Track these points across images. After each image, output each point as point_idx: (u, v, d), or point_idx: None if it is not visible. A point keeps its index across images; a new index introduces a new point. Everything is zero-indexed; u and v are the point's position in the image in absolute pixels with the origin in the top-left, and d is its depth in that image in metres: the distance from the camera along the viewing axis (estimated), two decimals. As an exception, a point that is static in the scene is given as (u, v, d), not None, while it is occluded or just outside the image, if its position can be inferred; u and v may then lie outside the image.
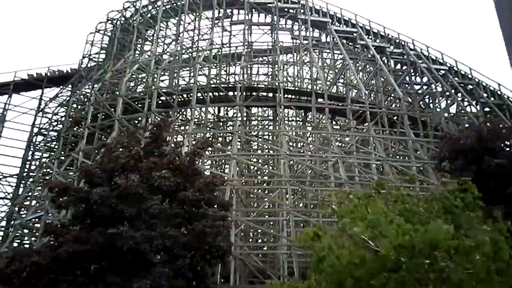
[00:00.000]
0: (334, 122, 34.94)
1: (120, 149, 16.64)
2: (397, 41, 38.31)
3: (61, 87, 41.84)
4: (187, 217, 15.33)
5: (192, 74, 30.77)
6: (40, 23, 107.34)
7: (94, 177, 15.03)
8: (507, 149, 17.06)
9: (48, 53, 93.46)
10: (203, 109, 32.14)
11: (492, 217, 6.01)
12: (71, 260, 13.79)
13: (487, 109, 37.65)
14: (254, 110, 39.44)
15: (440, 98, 35.81)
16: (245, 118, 33.56)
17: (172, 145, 19.22)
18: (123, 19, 41.95)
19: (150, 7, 42.18)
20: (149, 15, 41.92)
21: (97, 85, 33.18)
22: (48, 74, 42.09)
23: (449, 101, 34.74)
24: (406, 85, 36.43)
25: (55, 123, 38.56)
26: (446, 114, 32.73)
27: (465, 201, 5.86)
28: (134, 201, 14.25)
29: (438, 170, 20.46)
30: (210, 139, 32.07)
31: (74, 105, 35.71)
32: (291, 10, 39.13)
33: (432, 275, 3.58)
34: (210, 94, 31.74)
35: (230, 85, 31.55)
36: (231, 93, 31.41)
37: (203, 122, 31.27)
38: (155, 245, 13.34)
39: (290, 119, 36.44)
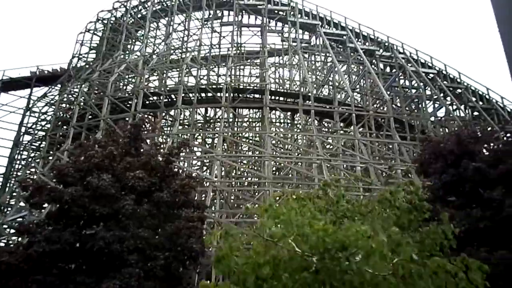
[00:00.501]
0: (324, 124, 34.99)
1: (97, 149, 16.53)
2: (387, 44, 38.39)
3: (50, 86, 41.68)
4: (163, 218, 15.21)
5: (182, 74, 30.59)
6: (31, 22, 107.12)
7: (67, 176, 14.88)
8: (487, 153, 17.02)
9: (38, 52, 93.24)
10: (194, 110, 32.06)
11: (438, 219, 5.94)
12: (42, 260, 13.63)
13: (476, 113, 37.86)
14: (245, 111, 39.49)
15: (428, 101, 35.86)
16: (232, 119, 33.46)
17: (152, 145, 19.05)
18: (113, 18, 41.91)
19: (140, 7, 42.15)
20: (139, 15, 41.90)
21: (84, 85, 32.96)
22: (37, 73, 41.95)
23: (436, 105, 34.78)
24: (396, 88, 36.50)
25: (43, 123, 38.35)
26: (432, 118, 32.71)
27: (413, 202, 5.78)
28: (106, 201, 14.11)
29: (420, 173, 20.47)
30: (196, 139, 32.15)
31: (63, 105, 35.46)
32: (281, 12, 39.18)
33: (344, 276, 3.52)
34: (198, 95, 31.70)
35: (217, 86, 31.40)
36: (219, 94, 31.42)
37: (189, 123, 31.11)
38: (126, 246, 13.20)
39: (279, 121, 36.39)
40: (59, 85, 41.01)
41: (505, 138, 17.60)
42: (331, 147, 30.61)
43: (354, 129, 27.83)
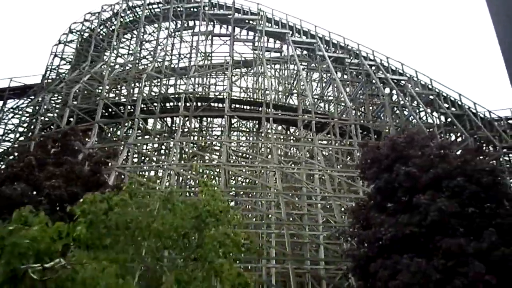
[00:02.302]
0: (290, 132, 34.73)
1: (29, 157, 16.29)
2: (357, 52, 38.25)
3: (23, 98, 41.64)
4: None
5: (142, 84, 30.47)
6: (8, 33, 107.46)
7: (-17, 186, 14.61)
8: (423, 158, 16.62)
9: (15, 64, 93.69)
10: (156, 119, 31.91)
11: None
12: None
13: (449, 119, 37.52)
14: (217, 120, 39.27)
15: (395, 108, 35.62)
16: (198, 129, 33.24)
17: (86, 155, 18.77)
18: (88, 30, 42.04)
19: (113, 19, 42.22)
20: (112, 27, 41.97)
21: (49, 96, 32.86)
22: (10, 85, 41.91)
23: (406, 112, 34.52)
24: (362, 96, 36.33)
25: (12, 135, 38.18)
26: (394, 124, 32.41)
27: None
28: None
29: (361, 178, 20.13)
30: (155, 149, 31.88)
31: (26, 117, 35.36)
32: (251, 22, 39.19)
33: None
34: (162, 105, 31.53)
35: (179, 96, 31.19)
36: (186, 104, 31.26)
37: (152, 132, 30.90)
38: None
39: (246, 129, 36.12)
40: (33, 97, 41.02)
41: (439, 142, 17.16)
42: (294, 155, 30.26)
43: (313, 136, 27.52)
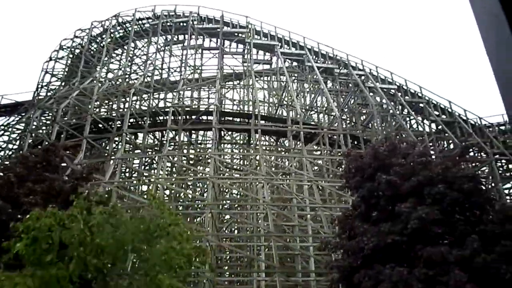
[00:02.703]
0: (280, 143, 34.73)
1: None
2: (346, 62, 38.45)
3: (15, 115, 41.65)
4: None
5: (130, 99, 30.53)
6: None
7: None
8: (405, 166, 16.54)
9: (5, 82, 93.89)
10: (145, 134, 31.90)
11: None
12: None
13: (440, 127, 37.57)
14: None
15: (387, 117, 35.68)
16: (188, 142, 33.20)
17: (70, 171, 18.67)
18: (78, 46, 42.25)
19: (104, 35, 42.47)
20: (102, 43, 42.22)
21: (37, 113, 32.89)
22: (1, 102, 41.95)
23: (394, 120, 34.58)
24: (351, 105, 36.48)
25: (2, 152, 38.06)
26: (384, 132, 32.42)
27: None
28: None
29: (344, 188, 20.02)
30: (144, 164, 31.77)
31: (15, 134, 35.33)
32: (241, 34, 39.46)
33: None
34: (152, 119, 31.57)
35: (165, 110, 31.23)
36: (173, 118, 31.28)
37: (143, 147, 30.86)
38: None
39: (238, 142, 36.11)
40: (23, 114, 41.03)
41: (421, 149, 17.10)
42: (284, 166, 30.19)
43: (302, 147, 27.49)
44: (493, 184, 37.18)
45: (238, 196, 29.92)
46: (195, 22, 39.50)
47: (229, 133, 34.78)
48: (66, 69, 41.37)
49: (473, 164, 30.91)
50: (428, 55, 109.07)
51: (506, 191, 39.48)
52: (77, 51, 42.28)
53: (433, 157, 18.25)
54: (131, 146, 35.10)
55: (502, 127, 40.42)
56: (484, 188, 14.96)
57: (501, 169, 39.35)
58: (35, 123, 32.94)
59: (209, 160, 34.12)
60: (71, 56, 42.34)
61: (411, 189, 15.25)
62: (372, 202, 16.40)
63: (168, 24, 39.69)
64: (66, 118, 34.03)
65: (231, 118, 33.67)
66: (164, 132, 34.04)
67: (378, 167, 16.66)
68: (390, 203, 15.61)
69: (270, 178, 25.52)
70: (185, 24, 39.08)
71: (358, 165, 17.26)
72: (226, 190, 29.85)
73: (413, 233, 14.04)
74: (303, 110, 37.59)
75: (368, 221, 16.45)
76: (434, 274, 12.68)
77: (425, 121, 38.22)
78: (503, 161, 38.92)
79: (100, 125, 32.87)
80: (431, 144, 32.95)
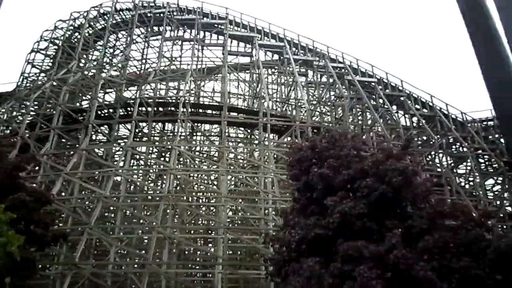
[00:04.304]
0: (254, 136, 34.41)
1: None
2: (325, 54, 37.89)
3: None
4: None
5: (98, 89, 30.44)
6: None
7: None
8: (340, 159, 16.14)
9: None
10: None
11: None
12: None
13: (423, 120, 36.89)
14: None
15: (367, 110, 35.13)
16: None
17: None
18: (61, 37, 42.21)
19: (86, 26, 42.36)
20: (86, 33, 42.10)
21: (11, 103, 33.01)
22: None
23: (369, 114, 34.10)
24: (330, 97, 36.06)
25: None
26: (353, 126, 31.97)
27: None
28: None
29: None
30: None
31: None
32: (220, 26, 39.09)
33: None
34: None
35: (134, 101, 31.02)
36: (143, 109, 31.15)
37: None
38: None
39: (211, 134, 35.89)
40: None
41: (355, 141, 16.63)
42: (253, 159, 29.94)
43: (268, 140, 27.20)
44: (470, 179, 36.70)
45: (204, 189, 29.72)
46: (174, 13, 39.24)
47: (202, 125, 34.52)
48: (50, 61, 41.34)
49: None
50: (428, 55, 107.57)
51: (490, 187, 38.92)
52: (60, 42, 42.31)
53: (370, 149, 17.81)
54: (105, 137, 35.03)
55: (491, 122, 39.48)
56: (414, 182, 14.47)
57: (483, 165, 38.69)
58: (9, 114, 33.03)
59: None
60: (56, 48, 42.35)
61: (344, 182, 14.93)
62: (307, 195, 16.13)
63: (148, 15, 39.46)
64: (41, 109, 34.14)
65: (205, 111, 33.40)
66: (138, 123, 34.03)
67: (316, 159, 16.35)
68: (323, 196, 15.30)
69: (232, 171, 25.29)
70: (163, 15, 38.83)
71: (297, 157, 16.94)
72: (195, 183, 29.76)
73: (338, 227, 13.74)
74: (281, 103, 37.23)
75: (306, 215, 16.20)
76: (348, 270, 12.39)
77: (406, 115, 37.59)
78: (485, 157, 38.22)
79: (74, 117, 32.85)
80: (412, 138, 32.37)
